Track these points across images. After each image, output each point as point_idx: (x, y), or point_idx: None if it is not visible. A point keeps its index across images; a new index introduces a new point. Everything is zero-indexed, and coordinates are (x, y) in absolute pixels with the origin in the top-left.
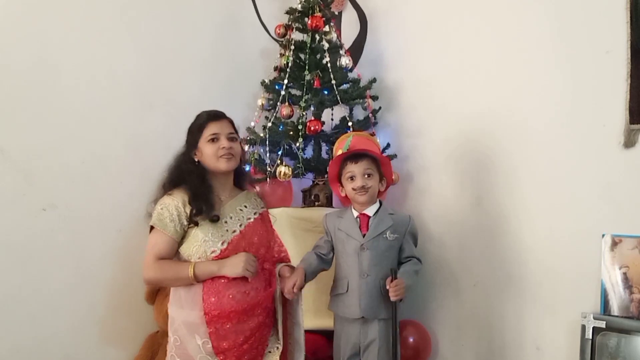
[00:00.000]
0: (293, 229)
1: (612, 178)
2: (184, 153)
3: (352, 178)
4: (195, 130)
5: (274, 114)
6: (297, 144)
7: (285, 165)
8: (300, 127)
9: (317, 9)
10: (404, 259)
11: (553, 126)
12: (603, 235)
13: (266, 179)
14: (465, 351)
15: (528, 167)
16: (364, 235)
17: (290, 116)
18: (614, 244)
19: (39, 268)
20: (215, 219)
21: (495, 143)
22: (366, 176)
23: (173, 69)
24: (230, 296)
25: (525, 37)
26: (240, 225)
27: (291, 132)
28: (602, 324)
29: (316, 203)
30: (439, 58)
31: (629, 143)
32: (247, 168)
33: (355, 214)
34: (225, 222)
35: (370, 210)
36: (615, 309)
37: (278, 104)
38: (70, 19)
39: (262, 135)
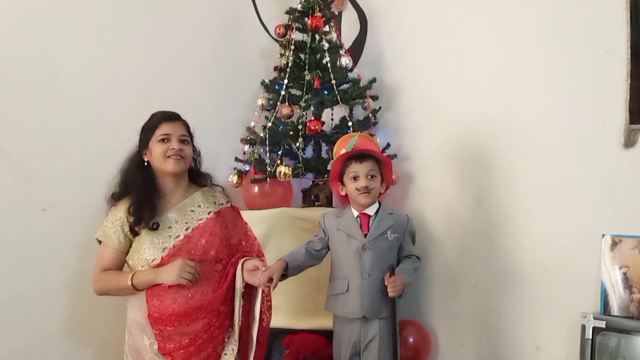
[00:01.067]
0: (293, 229)
1: (612, 178)
2: (135, 153)
3: (355, 178)
4: (147, 130)
5: (274, 114)
6: (297, 144)
7: (285, 165)
8: (300, 127)
9: (317, 9)
10: (403, 258)
11: (553, 126)
12: (603, 235)
13: (266, 179)
14: (465, 351)
15: (528, 167)
16: (365, 235)
17: (290, 116)
18: (614, 244)
19: (39, 268)
20: (154, 227)
21: (495, 143)
22: (370, 177)
23: (173, 69)
24: (172, 299)
25: (525, 36)
26: (187, 229)
27: (291, 132)
28: (602, 324)
29: (316, 203)
30: (439, 58)
31: (629, 143)
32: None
33: (356, 213)
34: (169, 227)
35: (370, 210)
36: (615, 309)
37: (278, 104)
38: (70, 19)
39: (262, 135)
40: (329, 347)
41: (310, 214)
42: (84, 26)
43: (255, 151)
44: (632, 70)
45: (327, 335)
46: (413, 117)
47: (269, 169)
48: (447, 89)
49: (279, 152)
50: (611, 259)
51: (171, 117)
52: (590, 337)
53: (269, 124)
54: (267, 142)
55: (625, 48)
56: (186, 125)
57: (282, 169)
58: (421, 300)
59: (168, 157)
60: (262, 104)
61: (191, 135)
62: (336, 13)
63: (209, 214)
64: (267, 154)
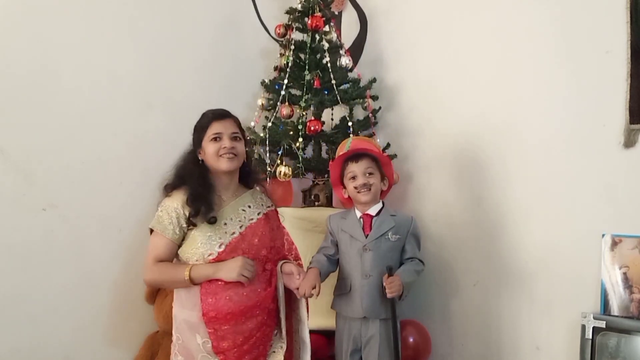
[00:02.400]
0: (293, 229)
1: (612, 178)
2: (190, 152)
3: (353, 178)
4: (199, 129)
5: (274, 114)
6: (297, 144)
7: (285, 165)
8: (300, 127)
9: (317, 9)
10: (406, 260)
11: (553, 126)
12: (603, 235)
13: (266, 179)
14: (465, 351)
15: (528, 167)
16: (366, 236)
17: (290, 116)
18: (614, 244)
19: (39, 268)
20: (212, 221)
21: (495, 143)
22: (367, 174)
23: (173, 69)
24: (228, 298)
25: (525, 36)
26: (241, 227)
27: (291, 132)
28: (602, 324)
29: (316, 203)
30: (439, 58)
31: (629, 143)
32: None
33: (359, 214)
34: (225, 223)
35: (373, 210)
36: (615, 309)
37: (278, 104)
38: (71, 19)
39: (262, 135)
40: (329, 347)
41: (310, 214)
42: (84, 26)
43: (255, 151)
44: (632, 70)
45: (327, 335)
46: (413, 117)
47: (269, 169)
48: (448, 88)
49: (279, 152)
50: (611, 259)
51: (221, 115)
52: (590, 337)
53: (269, 124)
54: (267, 142)
55: (625, 48)
56: (237, 122)
57: (282, 169)
58: (421, 300)
59: (220, 155)
60: (262, 104)
61: (242, 131)
62: (336, 13)
63: (258, 214)
64: (267, 154)
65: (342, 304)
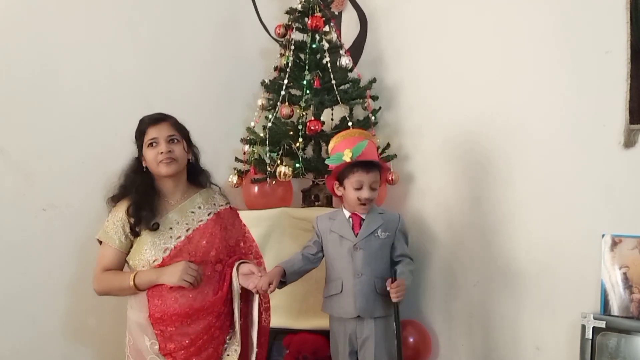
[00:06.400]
0: (293, 229)
1: (612, 178)
2: (135, 159)
3: (359, 187)
4: (138, 137)
5: (274, 114)
6: (297, 144)
7: (285, 165)
8: (300, 127)
9: (317, 9)
10: (396, 257)
11: (553, 126)
12: (603, 235)
13: (266, 179)
14: (465, 351)
15: (528, 167)
16: (356, 235)
17: (290, 116)
18: (614, 244)
19: (39, 268)
20: (154, 227)
21: (495, 143)
22: (372, 189)
23: (173, 69)
24: (173, 299)
25: (525, 37)
26: (188, 230)
27: (291, 132)
28: (602, 324)
29: (316, 203)
30: (439, 58)
31: (629, 143)
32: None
33: (347, 214)
34: (171, 228)
35: None
36: (615, 309)
37: (278, 104)
38: (71, 19)
39: (262, 135)
40: (328, 347)
41: (310, 214)
42: (84, 26)
43: (256, 151)
44: (632, 70)
45: (326, 335)
46: (413, 117)
47: (269, 169)
48: (447, 88)
49: (279, 152)
50: (611, 259)
51: (156, 119)
52: (590, 337)
53: (269, 124)
54: (267, 142)
55: (625, 48)
56: (174, 124)
57: (282, 169)
58: (421, 300)
59: (159, 162)
60: (262, 104)
61: (182, 131)
62: (336, 13)
63: (209, 215)
64: (267, 154)
65: (334, 306)
